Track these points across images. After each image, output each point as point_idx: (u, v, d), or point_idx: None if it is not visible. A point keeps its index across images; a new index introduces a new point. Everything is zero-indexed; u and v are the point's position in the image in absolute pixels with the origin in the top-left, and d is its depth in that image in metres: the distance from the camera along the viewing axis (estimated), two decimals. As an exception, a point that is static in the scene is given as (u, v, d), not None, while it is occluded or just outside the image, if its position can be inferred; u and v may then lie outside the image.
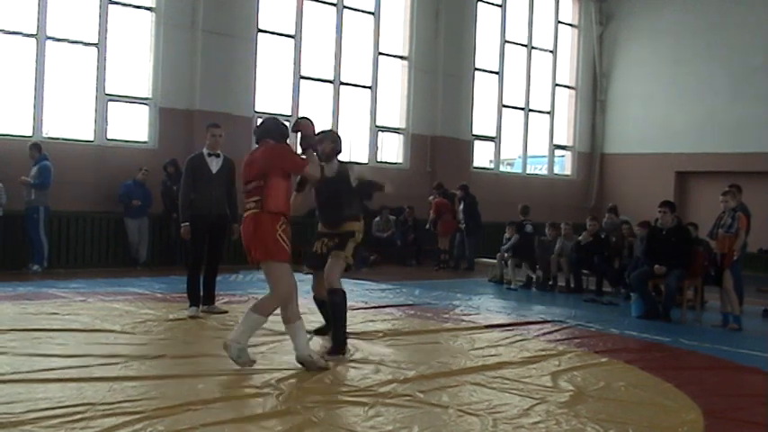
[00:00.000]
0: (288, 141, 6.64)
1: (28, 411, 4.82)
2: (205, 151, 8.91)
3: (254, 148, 6.66)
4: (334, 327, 7.09)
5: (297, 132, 6.68)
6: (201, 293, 9.00)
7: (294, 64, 17.03)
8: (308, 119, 6.78)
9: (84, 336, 7.39)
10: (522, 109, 21.69)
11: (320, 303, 7.62)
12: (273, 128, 6.61)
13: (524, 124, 21.76)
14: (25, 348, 6.67)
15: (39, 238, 12.96)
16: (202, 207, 8.75)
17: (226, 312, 9.01)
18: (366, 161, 18.09)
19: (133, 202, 13.96)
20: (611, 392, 6.07)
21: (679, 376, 6.73)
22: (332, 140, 7.49)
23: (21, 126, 13.85)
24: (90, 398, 5.20)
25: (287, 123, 6.81)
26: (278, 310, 6.36)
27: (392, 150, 19.29)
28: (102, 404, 5.06)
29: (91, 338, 7.27)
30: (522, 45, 21.62)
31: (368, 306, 9.98)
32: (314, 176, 6.60)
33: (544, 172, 22.85)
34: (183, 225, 8.80)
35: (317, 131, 6.88)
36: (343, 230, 7.27)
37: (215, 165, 8.87)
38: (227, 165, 8.99)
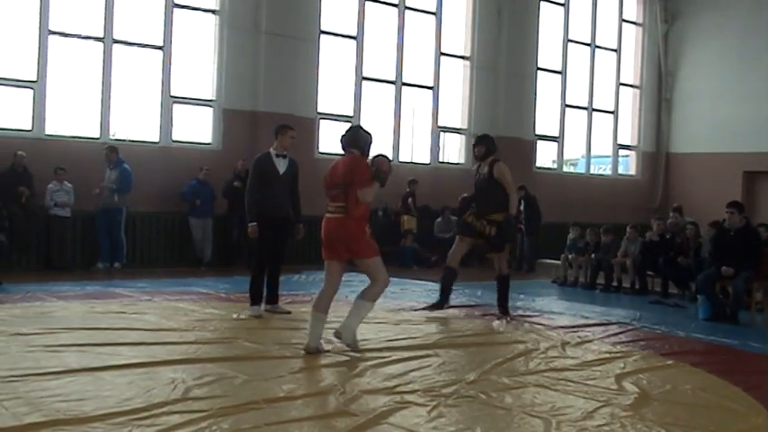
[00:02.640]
0: (369, 151, 7.19)
1: (96, 408, 4.91)
2: (273, 152, 8.93)
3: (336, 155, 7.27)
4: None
5: (372, 166, 7.12)
6: (265, 293, 9.07)
7: (356, 65, 17.08)
8: (385, 157, 7.42)
9: (149, 334, 7.50)
10: (586, 108, 21.43)
11: None
12: (359, 138, 7.13)
13: (588, 124, 21.50)
14: (93, 346, 6.80)
15: (120, 237, 13.34)
16: (269, 207, 8.79)
17: (289, 313, 9.06)
18: (428, 162, 18.07)
19: (195, 202, 14.15)
20: (677, 396, 5.96)
21: (746, 380, 6.57)
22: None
23: (89, 128, 14.15)
24: (155, 396, 5.27)
25: (370, 133, 7.29)
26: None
27: (454, 151, 19.24)
28: (168, 402, 5.12)
29: (156, 337, 7.38)
30: (586, 44, 21.36)
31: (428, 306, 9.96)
32: (365, 201, 6.96)
33: (608, 172, 22.55)
34: (250, 225, 8.80)
35: (390, 169, 7.38)
36: None
37: (282, 165, 8.92)
38: (293, 165, 9.05)
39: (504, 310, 9.58)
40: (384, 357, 6.84)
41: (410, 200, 16.85)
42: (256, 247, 9.04)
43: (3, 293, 9.99)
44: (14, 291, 10.19)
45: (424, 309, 9.76)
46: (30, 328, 7.49)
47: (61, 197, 13.03)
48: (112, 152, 13.37)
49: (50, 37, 13.59)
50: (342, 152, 7.23)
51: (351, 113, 16.97)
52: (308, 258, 13.85)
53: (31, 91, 13.47)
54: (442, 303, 9.75)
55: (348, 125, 16.58)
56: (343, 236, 6.85)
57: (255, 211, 8.80)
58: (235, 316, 8.77)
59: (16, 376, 5.61)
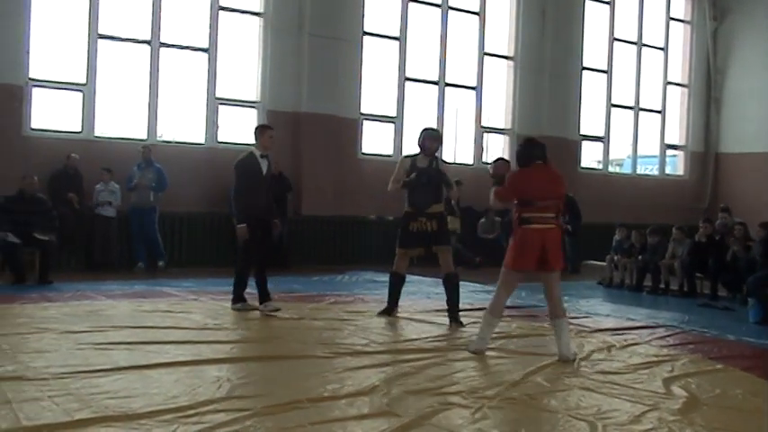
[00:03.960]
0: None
1: (143, 405, 4.98)
2: (257, 152, 9.07)
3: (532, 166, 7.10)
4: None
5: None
6: (257, 292, 9.17)
7: (399, 66, 17.08)
8: (506, 161, 7.96)
9: (195, 333, 7.59)
10: (632, 108, 21.20)
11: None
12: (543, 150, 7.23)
13: (634, 123, 21.26)
14: (141, 344, 6.90)
15: (156, 237, 13.52)
16: (257, 208, 8.95)
17: (278, 309, 9.02)
18: (471, 162, 18.02)
19: None
20: (726, 400, 5.85)
21: (798, 385, 6.44)
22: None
23: (136, 130, 14.35)
24: (201, 394, 5.32)
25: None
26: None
27: (497, 151, 19.16)
28: (213, 400, 5.17)
29: (202, 336, 7.46)
30: (632, 43, 21.13)
31: (473, 308, 9.91)
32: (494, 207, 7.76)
33: (654, 172, 22.29)
34: (239, 227, 8.91)
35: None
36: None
37: (264, 166, 9.10)
38: (271, 165, 9.35)
39: (455, 316, 8.77)
40: (427, 358, 6.83)
41: (453, 201, 16.76)
42: (245, 247, 9.08)
43: (54, 292, 10.18)
44: (65, 289, 10.38)
45: (377, 315, 9.17)
46: (79, 326, 7.63)
47: (105, 197, 13.21)
48: (149, 151, 13.55)
49: (99, 41, 13.81)
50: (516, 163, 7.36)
51: (394, 114, 16.98)
52: (351, 260, 13.92)
53: (81, 94, 13.70)
54: (390, 309, 9.15)
55: (391, 126, 16.78)
56: (555, 247, 6.92)
57: (245, 213, 8.91)
58: (279, 315, 8.80)
59: (67, 373, 5.71)
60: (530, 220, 6.88)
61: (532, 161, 7.06)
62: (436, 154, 9.05)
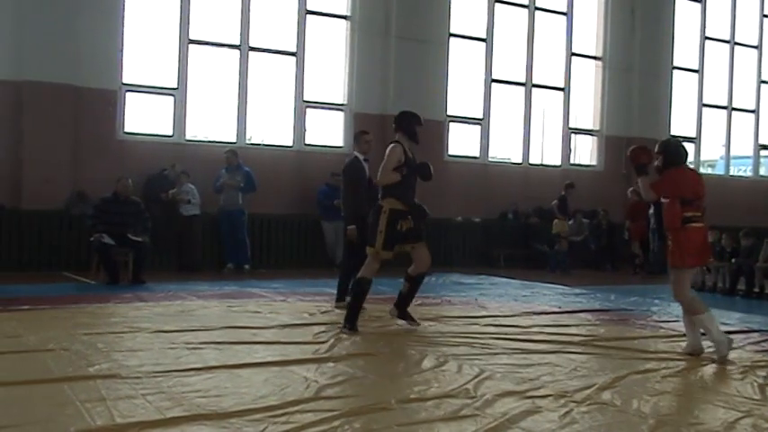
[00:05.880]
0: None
1: (234, 404, 5.06)
2: (359, 156, 9.31)
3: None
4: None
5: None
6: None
7: (486, 67, 17.02)
8: (646, 148, 7.66)
9: (284, 333, 7.68)
10: (725, 108, 20.67)
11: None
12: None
13: (727, 123, 20.72)
14: (230, 344, 7.02)
15: (245, 239, 13.71)
16: (363, 209, 8.93)
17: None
18: (559, 164, 17.83)
19: (334, 203, 14.36)
20: (826, 408, 5.65)
21: None
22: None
23: (226, 133, 14.64)
24: (289, 394, 5.38)
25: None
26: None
27: (585, 152, 18.91)
28: (301, 401, 5.22)
29: (290, 336, 7.54)
30: (725, 41, 20.60)
31: (561, 311, 9.82)
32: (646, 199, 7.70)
33: (748, 173, 21.67)
34: (350, 228, 9.12)
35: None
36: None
37: (366, 169, 9.24)
38: (367, 168, 9.38)
39: (406, 313, 8.39)
40: (515, 361, 6.78)
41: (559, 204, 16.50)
42: (352, 247, 9.22)
43: (146, 292, 10.45)
44: (157, 290, 10.65)
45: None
46: (171, 326, 7.80)
47: (181, 195, 13.46)
48: (234, 156, 13.76)
49: (190, 45, 14.13)
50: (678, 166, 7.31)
51: (480, 116, 16.92)
52: (440, 260, 13.88)
53: (173, 98, 14.04)
54: (355, 327, 8.04)
55: (477, 128, 16.74)
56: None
57: (355, 215, 9.07)
58: (367, 316, 8.85)
59: (159, 372, 5.84)
60: (692, 219, 7.13)
61: (684, 160, 7.31)
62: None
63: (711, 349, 7.20)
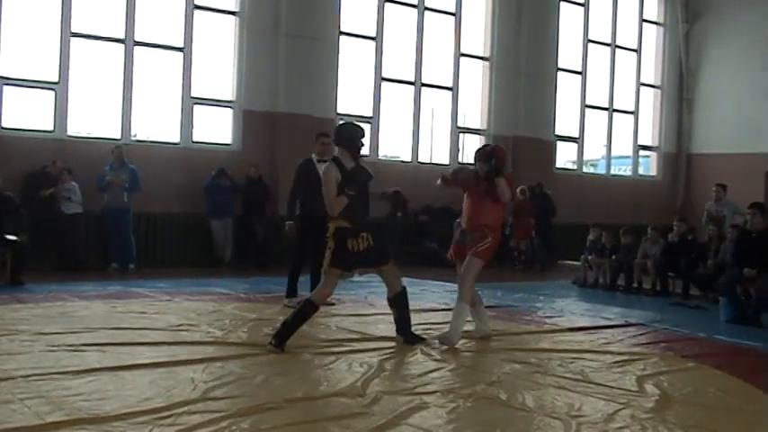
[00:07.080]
0: None
1: (117, 407, 4.94)
2: (314, 157, 9.55)
3: None
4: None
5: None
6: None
7: (375, 66, 17.09)
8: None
9: (170, 334, 7.53)
10: (606, 109, 21.34)
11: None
12: None
13: (608, 124, 21.41)
14: (114, 346, 6.85)
15: (130, 237, 13.42)
16: (310, 208, 9.25)
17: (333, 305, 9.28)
18: (448, 163, 18.06)
19: (223, 180, 14.30)
20: (699, 398, 5.90)
21: (770, 382, 6.51)
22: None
23: (109, 129, 14.26)
24: (176, 396, 5.29)
25: None
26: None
27: (473, 152, 19.20)
28: (188, 402, 5.14)
29: (177, 337, 7.41)
30: (606, 44, 21.27)
31: (448, 307, 9.93)
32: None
33: (628, 173, 22.45)
34: (287, 223, 9.56)
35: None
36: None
37: (321, 170, 9.13)
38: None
39: (412, 335, 7.66)
40: (403, 359, 6.84)
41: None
42: (297, 243, 9.66)
43: (26, 293, 10.08)
44: (37, 291, 10.28)
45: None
46: (52, 328, 7.55)
47: (61, 192, 13.02)
48: (121, 152, 13.42)
49: (72, 39, 13.71)
50: None
51: (370, 114, 16.99)
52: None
53: (53, 92, 13.59)
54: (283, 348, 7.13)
55: (367, 126, 16.79)
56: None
57: (294, 212, 9.58)
58: (254, 316, 8.77)
59: (38, 375, 5.65)
60: None
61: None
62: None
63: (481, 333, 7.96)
